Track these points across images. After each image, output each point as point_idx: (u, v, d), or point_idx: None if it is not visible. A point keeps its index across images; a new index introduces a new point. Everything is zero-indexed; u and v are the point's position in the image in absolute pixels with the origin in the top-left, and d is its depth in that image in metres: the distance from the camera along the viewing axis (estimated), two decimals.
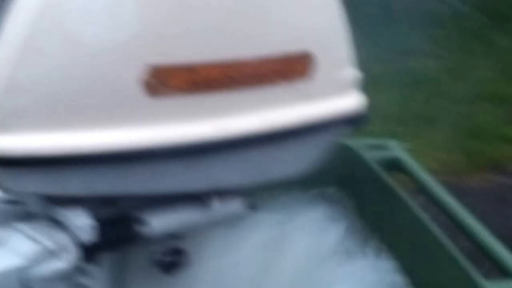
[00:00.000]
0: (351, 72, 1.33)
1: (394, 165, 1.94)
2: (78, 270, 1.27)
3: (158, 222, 1.31)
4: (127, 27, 1.14)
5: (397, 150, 2.00)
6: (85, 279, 1.30)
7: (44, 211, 1.27)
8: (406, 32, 5.34)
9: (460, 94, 4.77)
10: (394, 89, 4.58)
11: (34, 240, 1.23)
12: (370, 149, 1.94)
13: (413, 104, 4.53)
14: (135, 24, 1.14)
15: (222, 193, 1.35)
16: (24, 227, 1.25)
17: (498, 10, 6.09)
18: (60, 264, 1.23)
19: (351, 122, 1.34)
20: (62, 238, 1.24)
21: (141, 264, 1.41)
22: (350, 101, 1.33)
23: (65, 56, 1.12)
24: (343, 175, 1.84)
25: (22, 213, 1.29)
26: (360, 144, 1.91)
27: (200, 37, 1.17)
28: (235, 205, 1.38)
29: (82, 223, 1.23)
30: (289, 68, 1.24)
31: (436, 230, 1.62)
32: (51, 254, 1.22)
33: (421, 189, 1.88)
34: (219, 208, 1.35)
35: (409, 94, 4.62)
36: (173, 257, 1.40)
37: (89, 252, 1.26)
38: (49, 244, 1.23)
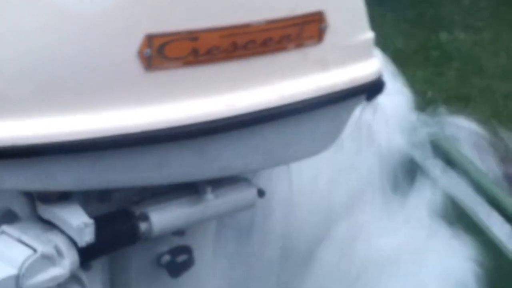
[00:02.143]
0: (367, 36, 1.31)
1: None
2: (73, 277, 1.22)
3: (161, 217, 1.27)
4: None
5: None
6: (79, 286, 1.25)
7: (31, 210, 1.22)
8: (434, 3, 5.30)
9: (498, 70, 4.71)
10: (424, 67, 4.53)
11: (25, 244, 1.18)
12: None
13: (446, 83, 4.48)
14: None
15: (232, 180, 1.32)
16: (12, 229, 1.20)
17: None
18: (57, 270, 1.18)
19: (368, 91, 1.32)
20: (57, 240, 1.19)
21: (143, 268, 1.37)
22: (367, 67, 1.31)
23: (47, 29, 1.07)
24: None
25: (7, 213, 1.25)
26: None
27: (201, 1, 1.12)
28: (245, 193, 1.34)
29: (79, 222, 1.18)
30: (301, 33, 1.20)
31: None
32: (46, 259, 1.17)
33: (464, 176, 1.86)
34: (228, 197, 1.32)
35: (440, 71, 4.57)
36: (182, 256, 1.36)
37: (86, 255, 1.21)
38: (43, 248, 1.18)
